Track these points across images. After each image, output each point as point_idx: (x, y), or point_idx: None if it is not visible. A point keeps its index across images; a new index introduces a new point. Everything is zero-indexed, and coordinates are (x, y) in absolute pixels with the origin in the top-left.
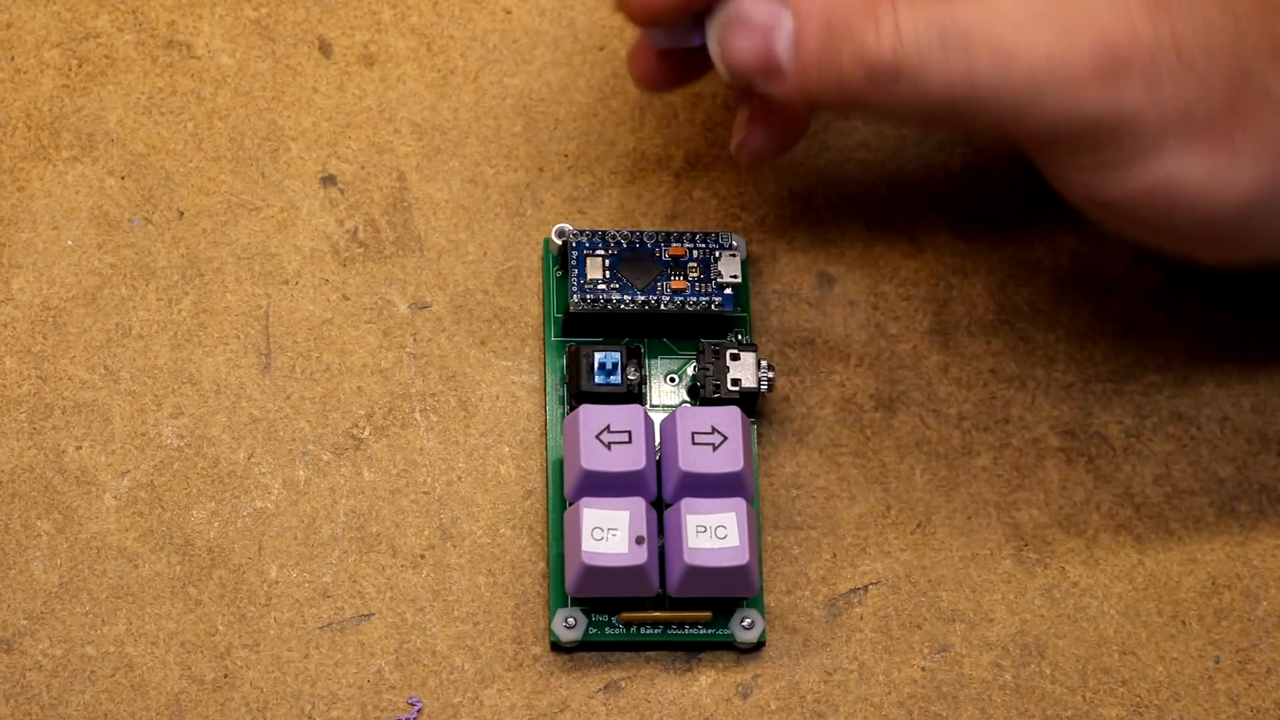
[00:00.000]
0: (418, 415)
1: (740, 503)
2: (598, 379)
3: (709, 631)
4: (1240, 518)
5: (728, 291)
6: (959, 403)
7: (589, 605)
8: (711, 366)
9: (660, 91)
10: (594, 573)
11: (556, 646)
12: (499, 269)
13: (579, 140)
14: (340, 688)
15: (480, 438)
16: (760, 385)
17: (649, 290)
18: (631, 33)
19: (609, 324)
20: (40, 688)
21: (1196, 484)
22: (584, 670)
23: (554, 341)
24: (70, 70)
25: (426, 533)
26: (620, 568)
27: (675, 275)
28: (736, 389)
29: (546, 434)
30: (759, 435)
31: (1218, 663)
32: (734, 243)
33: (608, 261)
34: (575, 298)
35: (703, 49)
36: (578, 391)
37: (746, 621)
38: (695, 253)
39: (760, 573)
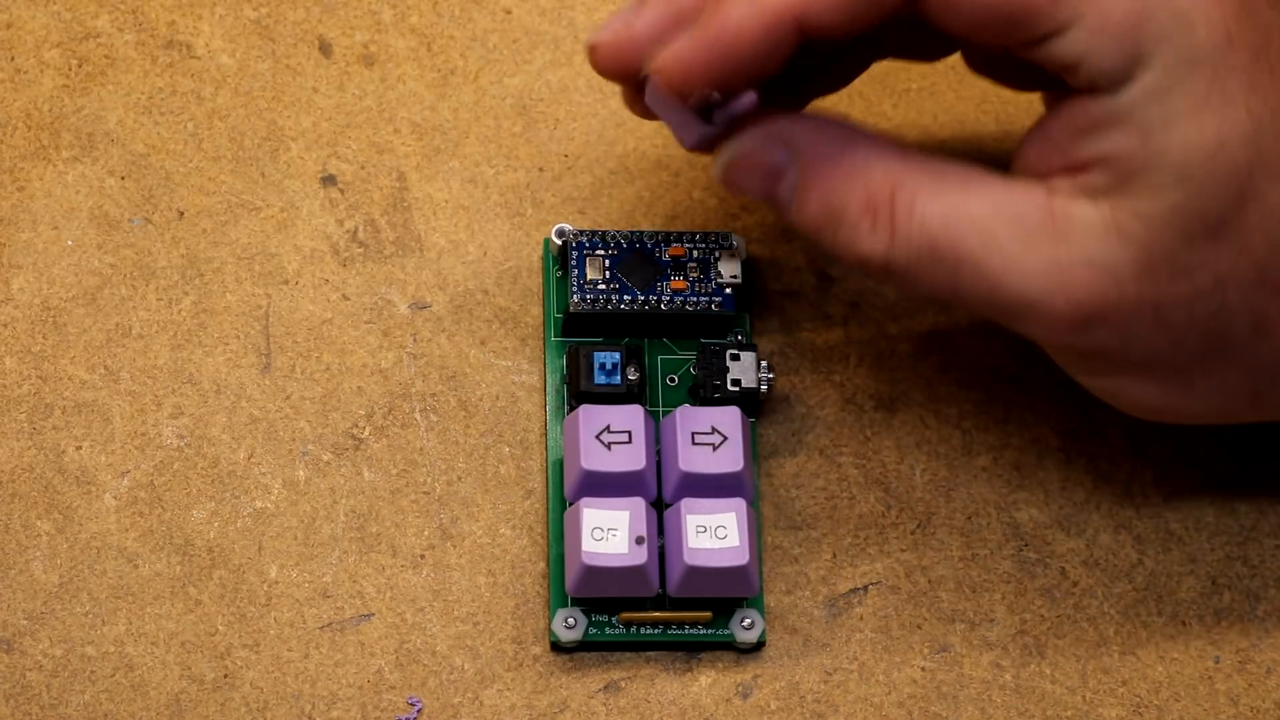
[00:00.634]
0: (418, 415)
1: (740, 503)
2: (598, 379)
3: (709, 631)
4: (1240, 518)
5: (728, 291)
6: (959, 403)
7: (589, 605)
8: (711, 366)
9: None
10: (594, 573)
11: (556, 646)
12: (499, 269)
13: (579, 140)
14: (340, 688)
15: (480, 438)
16: (760, 385)
17: (649, 290)
18: None
19: (609, 324)
20: (40, 688)
21: (1196, 484)
22: (584, 670)
23: (554, 341)
24: (70, 70)
25: (426, 533)
26: (620, 568)
27: (675, 275)
28: (736, 389)
29: (546, 434)
30: (759, 435)
31: (1218, 663)
32: (734, 243)
33: (608, 261)
34: (575, 298)
35: None
36: (578, 391)
37: (746, 621)
38: (695, 253)
39: (760, 573)
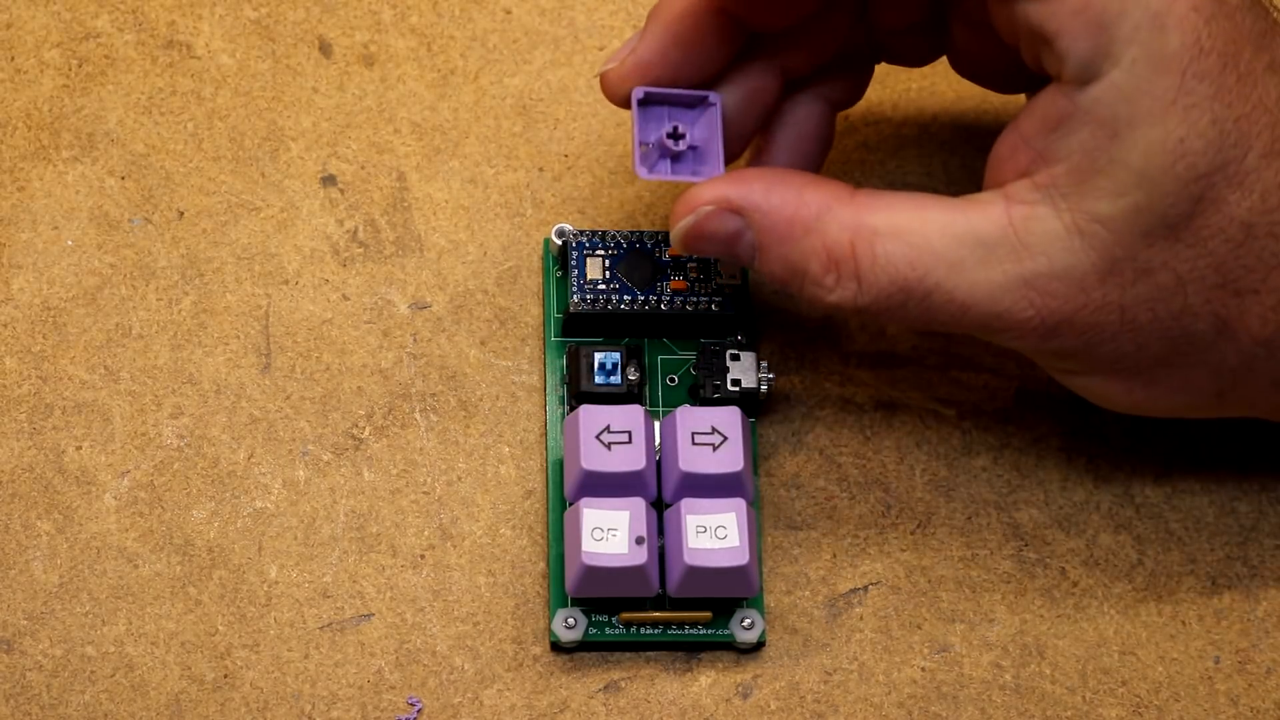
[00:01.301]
0: (418, 415)
1: (740, 503)
2: (598, 379)
3: (709, 631)
4: (1240, 518)
5: (728, 292)
6: (959, 403)
7: (589, 605)
8: (711, 366)
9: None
10: (594, 573)
11: (556, 646)
12: (499, 269)
13: (579, 140)
14: (340, 688)
15: (480, 438)
16: (760, 385)
17: (649, 290)
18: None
19: (609, 324)
20: (40, 688)
21: (1196, 484)
22: (584, 670)
23: (554, 341)
24: (70, 70)
25: (426, 533)
26: (620, 568)
27: (675, 275)
28: (736, 389)
29: (546, 434)
30: (759, 435)
31: (1218, 663)
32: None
33: (608, 261)
34: (575, 298)
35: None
36: (578, 391)
37: (746, 621)
38: None
39: (760, 573)
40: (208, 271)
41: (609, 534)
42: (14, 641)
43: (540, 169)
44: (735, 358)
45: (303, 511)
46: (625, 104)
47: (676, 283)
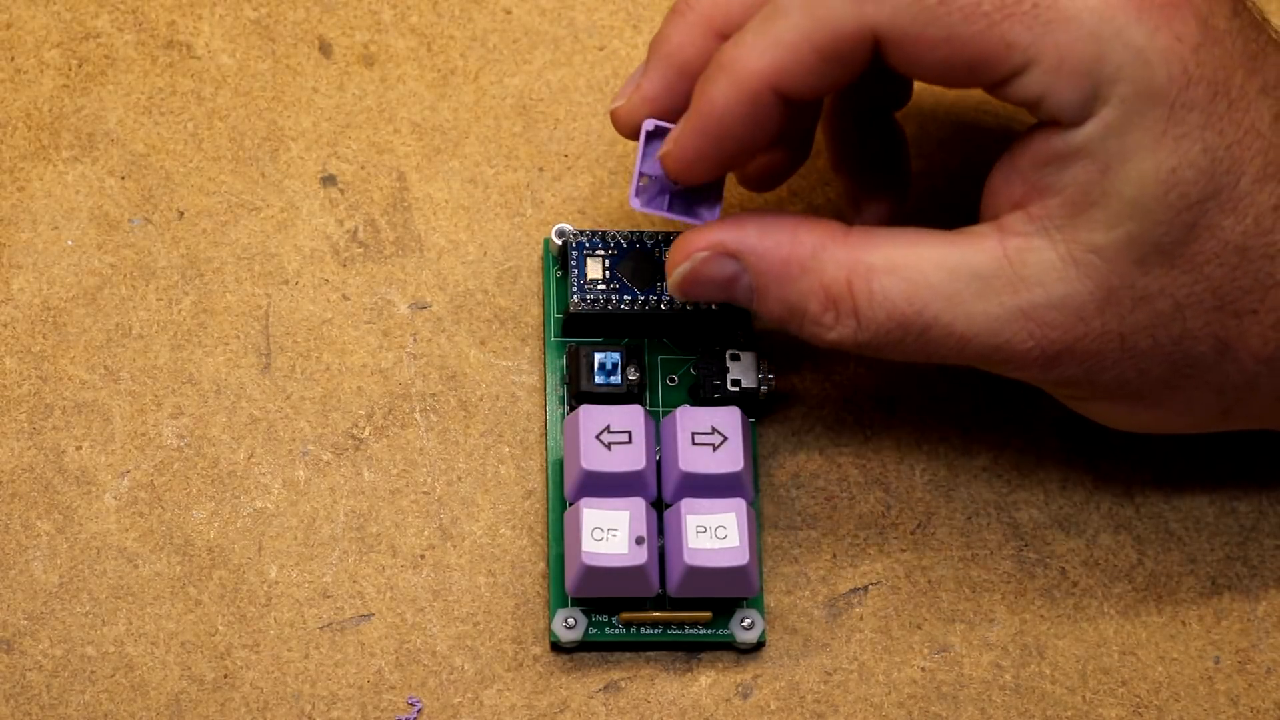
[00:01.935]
0: (418, 415)
1: (740, 503)
2: (598, 379)
3: (709, 631)
4: (1240, 518)
5: None
6: (959, 403)
7: (589, 605)
8: (711, 366)
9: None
10: (594, 573)
11: (556, 646)
12: (499, 269)
13: (579, 140)
14: (340, 688)
15: (480, 438)
16: (760, 385)
17: (649, 290)
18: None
19: (609, 324)
20: (40, 688)
21: (1196, 484)
22: (584, 670)
23: (554, 341)
24: (70, 70)
25: (426, 533)
26: (620, 568)
27: None
28: (736, 389)
29: (546, 434)
30: (759, 435)
31: (1218, 663)
32: None
33: (608, 261)
34: (575, 298)
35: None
36: (578, 391)
37: (746, 621)
38: None
39: (760, 573)
40: (208, 271)
41: (609, 534)
42: (14, 641)
43: (540, 169)
44: (735, 358)
45: (303, 511)
46: (635, 137)
47: None
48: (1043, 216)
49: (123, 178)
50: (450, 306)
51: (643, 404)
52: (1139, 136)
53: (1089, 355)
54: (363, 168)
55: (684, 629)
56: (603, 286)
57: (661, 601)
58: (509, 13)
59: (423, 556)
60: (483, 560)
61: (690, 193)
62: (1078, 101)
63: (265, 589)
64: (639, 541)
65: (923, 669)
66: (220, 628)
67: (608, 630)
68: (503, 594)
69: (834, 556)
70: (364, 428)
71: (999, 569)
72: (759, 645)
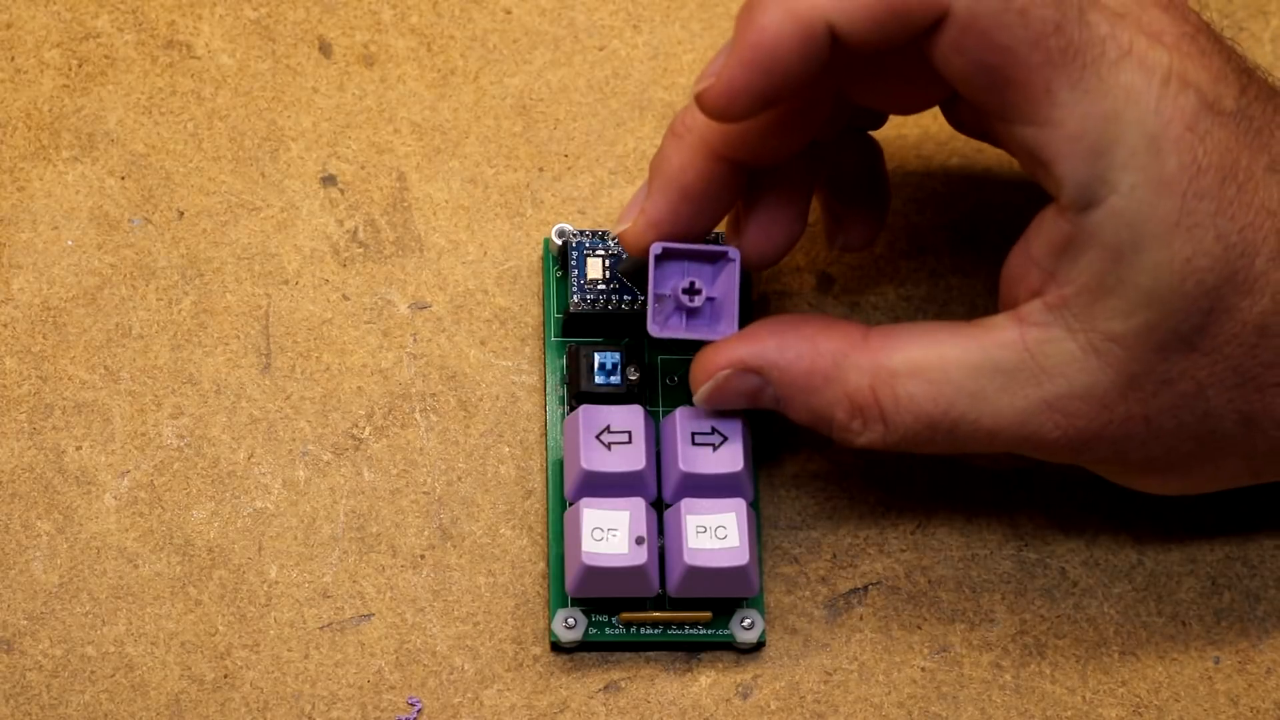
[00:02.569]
0: (418, 415)
1: (740, 503)
2: (598, 379)
3: (709, 631)
4: (1240, 518)
5: None
6: None
7: (589, 605)
8: None
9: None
10: (594, 573)
11: (556, 646)
12: (499, 269)
13: (579, 140)
14: (340, 688)
15: (480, 438)
16: None
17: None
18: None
19: (609, 324)
20: (40, 688)
21: None
22: (584, 670)
23: (554, 341)
24: (70, 70)
25: (426, 533)
26: (620, 568)
27: None
28: None
29: (546, 434)
30: (758, 435)
31: (1218, 663)
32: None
33: (608, 261)
34: (575, 298)
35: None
36: (578, 391)
37: (746, 621)
38: None
39: (760, 573)
40: (208, 271)
41: (609, 534)
42: (14, 641)
43: (540, 169)
44: None
45: (303, 511)
46: (646, 256)
47: None
48: (1060, 306)
49: (123, 178)
50: (450, 306)
51: (643, 404)
52: (1151, 227)
53: (1116, 439)
54: (363, 168)
55: (684, 629)
56: (603, 286)
57: (661, 601)
58: (509, 13)
59: (423, 556)
60: (483, 560)
61: (709, 309)
62: (1084, 181)
63: (265, 589)
64: (639, 541)
65: (923, 669)
66: (220, 628)
67: (608, 630)
68: (503, 594)
69: (834, 556)
70: (364, 428)
71: (999, 569)
72: (759, 645)
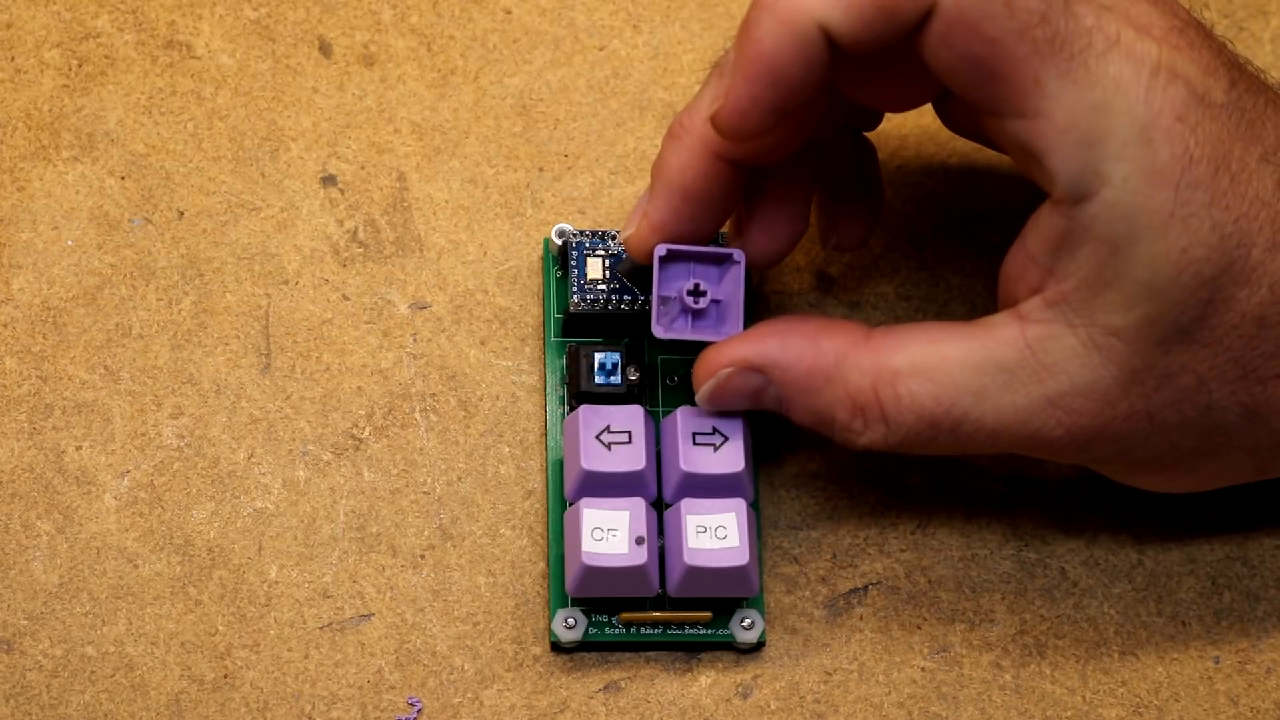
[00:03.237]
0: (418, 415)
1: (740, 503)
2: (598, 379)
3: (709, 631)
4: (1240, 518)
5: None
6: None
7: (589, 605)
8: None
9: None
10: (594, 573)
11: (556, 647)
12: (499, 269)
13: (579, 140)
14: (340, 688)
15: (480, 438)
16: None
17: (649, 290)
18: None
19: (609, 324)
20: (40, 688)
21: None
22: (584, 670)
23: (554, 341)
24: (70, 70)
25: (426, 533)
26: (620, 568)
27: None
28: None
29: (546, 434)
30: (758, 435)
31: (1218, 663)
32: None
33: (608, 261)
34: (575, 298)
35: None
36: (578, 392)
37: (746, 621)
38: None
39: (760, 573)
40: (208, 271)
41: (609, 534)
42: (14, 641)
43: (540, 169)
44: None
45: (303, 511)
46: (650, 261)
47: None
48: (1059, 302)
49: (123, 178)
50: (450, 306)
51: (643, 404)
52: (1146, 219)
53: (1119, 436)
54: (363, 168)
55: (684, 629)
56: (603, 286)
57: (661, 601)
58: (509, 13)
59: (423, 556)
60: (483, 560)
61: (714, 310)
62: (1077, 173)
63: (265, 589)
64: (639, 541)
65: (923, 669)
66: (220, 628)
67: (608, 630)
68: (503, 594)
69: (834, 556)
70: (364, 428)
71: (999, 569)
72: (759, 645)
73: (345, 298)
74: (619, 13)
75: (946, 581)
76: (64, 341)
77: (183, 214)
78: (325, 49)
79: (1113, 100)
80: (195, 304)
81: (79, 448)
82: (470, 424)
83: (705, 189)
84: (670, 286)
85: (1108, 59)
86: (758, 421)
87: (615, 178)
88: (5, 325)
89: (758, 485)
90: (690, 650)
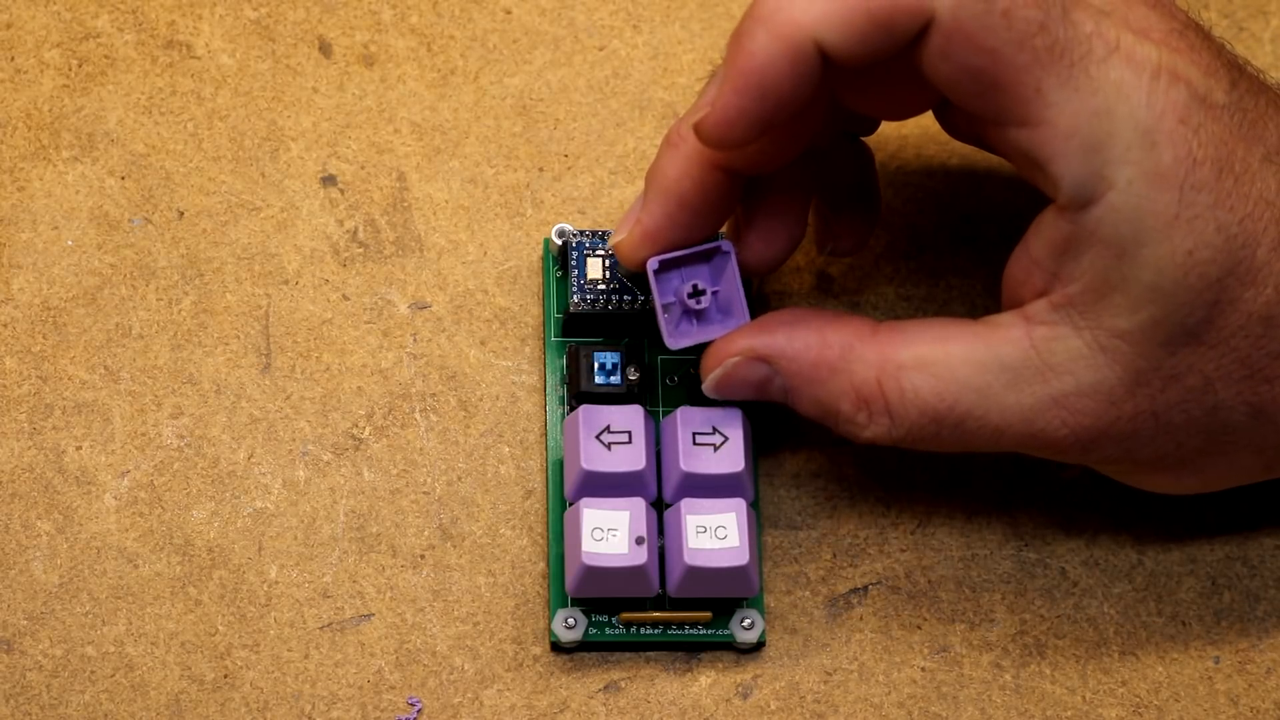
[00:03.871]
0: (418, 415)
1: (740, 503)
2: (598, 379)
3: (709, 631)
4: (1240, 518)
5: None
6: None
7: (589, 605)
8: None
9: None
10: (594, 573)
11: (556, 647)
12: (499, 269)
13: (579, 140)
14: (340, 688)
15: (480, 438)
16: None
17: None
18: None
19: (609, 324)
20: (40, 688)
21: None
22: (584, 670)
23: (554, 341)
24: (70, 70)
25: (426, 533)
26: (620, 568)
27: None
28: None
29: (546, 434)
30: (759, 435)
31: (1218, 663)
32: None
33: (608, 261)
34: (575, 298)
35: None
36: (578, 391)
37: (746, 621)
38: None
39: (760, 573)
40: (208, 271)
41: (609, 534)
42: (14, 641)
43: (540, 169)
44: None
45: (303, 511)
46: (642, 269)
47: None
48: (1065, 305)
49: (123, 178)
50: (450, 306)
51: (643, 404)
52: (1151, 222)
53: (1124, 436)
54: (363, 168)
55: (684, 629)
56: (603, 286)
57: (661, 601)
58: (509, 13)
59: (423, 556)
60: (483, 560)
61: (715, 304)
62: (1081, 178)
63: (265, 589)
64: (639, 541)
65: (923, 669)
66: (220, 628)
67: (608, 630)
68: (503, 594)
69: (834, 556)
70: (364, 428)
71: (999, 569)
72: (759, 645)
73: (345, 298)
74: (619, 13)
75: (946, 581)
76: (64, 341)
77: (183, 214)
78: (325, 49)
79: (1115, 105)
80: (195, 304)
81: (79, 448)
82: (470, 424)
83: (701, 197)
84: (668, 293)
85: (1108, 64)
86: (758, 421)
87: (615, 178)
88: (5, 325)
89: (758, 485)
90: (690, 650)
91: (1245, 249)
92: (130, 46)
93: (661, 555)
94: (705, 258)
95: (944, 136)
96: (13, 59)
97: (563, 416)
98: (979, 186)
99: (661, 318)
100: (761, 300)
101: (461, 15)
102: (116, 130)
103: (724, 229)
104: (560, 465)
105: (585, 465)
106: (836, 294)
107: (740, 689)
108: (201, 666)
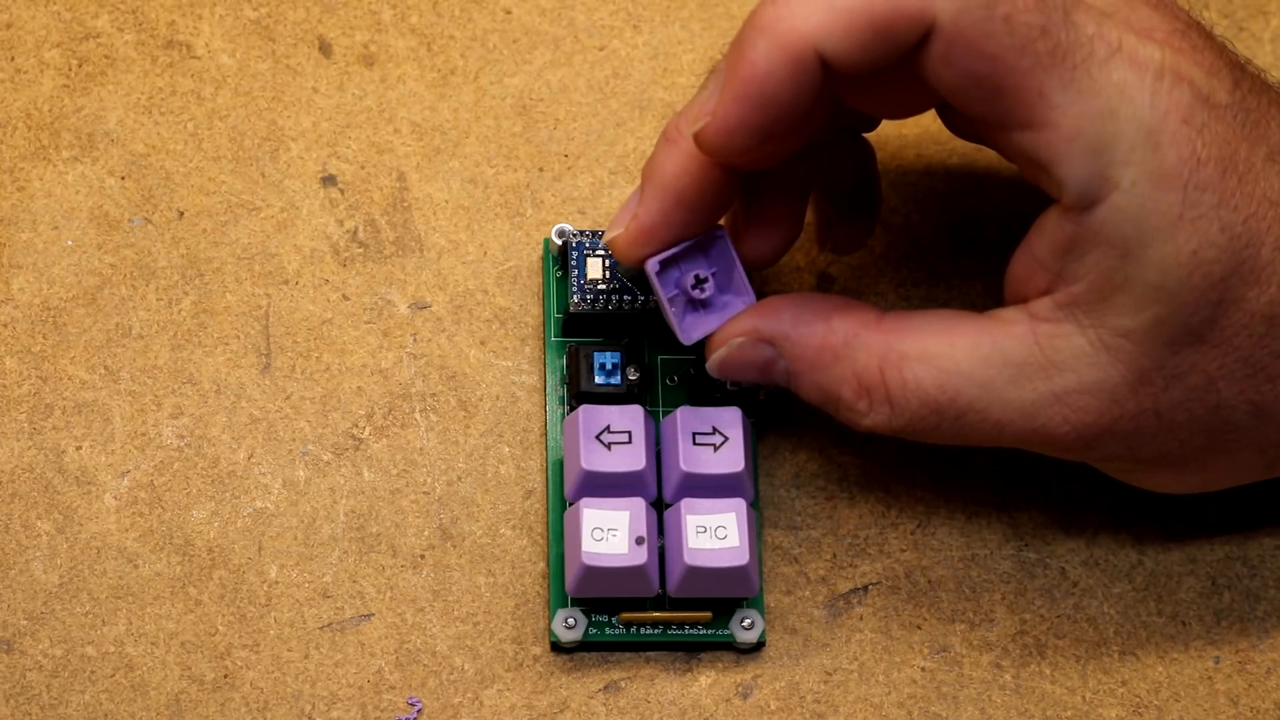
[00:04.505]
0: (418, 415)
1: (740, 503)
2: (598, 379)
3: (709, 631)
4: (1240, 518)
5: None
6: None
7: (589, 605)
8: None
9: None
10: (594, 573)
11: (556, 647)
12: (499, 269)
13: (579, 140)
14: (340, 688)
15: (480, 438)
16: (760, 386)
17: (649, 290)
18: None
19: (609, 324)
20: (40, 688)
21: None
22: (584, 670)
23: (554, 341)
24: (70, 70)
25: (426, 533)
26: (620, 568)
27: None
28: (736, 389)
29: (546, 434)
30: (759, 435)
31: (1218, 663)
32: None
33: (608, 261)
34: (575, 298)
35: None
36: (578, 391)
37: (746, 621)
38: None
39: (760, 573)
40: (208, 271)
41: (609, 534)
42: (14, 641)
43: (540, 169)
44: None
45: (303, 511)
46: (638, 266)
47: None
48: (1069, 304)
49: (123, 178)
50: (450, 306)
51: (643, 404)
52: (1155, 221)
53: (1127, 434)
54: (363, 168)
55: (684, 629)
56: (603, 286)
57: (661, 601)
58: (509, 13)
59: (423, 556)
60: (483, 560)
61: (718, 289)
62: (1085, 179)
63: (265, 589)
64: (639, 541)
65: (923, 669)
66: (220, 628)
67: (608, 630)
68: (503, 594)
69: (834, 556)
70: (364, 428)
71: (999, 569)
72: (759, 645)
73: (345, 298)
74: (619, 13)
75: (946, 581)
76: (64, 341)
77: (183, 214)
78: (325, 49)
79: (1118, 106)
80: (195, 304)
81: (79, 448)
82: (470, 424)
83: (698, 194)
84: (671, 287)
85: (1111, 66)
86: (758, 421)
87: (615, 178)
88: (5, 325)
89: (758, 485)
90: (690, 650)
91: (1249, 248)
92: (130, 46)
93: (661, 555)
94: (701, 247)
95: (944, 136)
96: (13, 59)
97: (563, 416)
98: (979, 186)
99: (670, 315)
100: (761, 297)
101: (461, 15)
102: (116, 130)
103: (721, 222)
104: (560, 465)
105: (585, 465)
106: (837, 294)
107: (740, 689)
108: (201, 666)
